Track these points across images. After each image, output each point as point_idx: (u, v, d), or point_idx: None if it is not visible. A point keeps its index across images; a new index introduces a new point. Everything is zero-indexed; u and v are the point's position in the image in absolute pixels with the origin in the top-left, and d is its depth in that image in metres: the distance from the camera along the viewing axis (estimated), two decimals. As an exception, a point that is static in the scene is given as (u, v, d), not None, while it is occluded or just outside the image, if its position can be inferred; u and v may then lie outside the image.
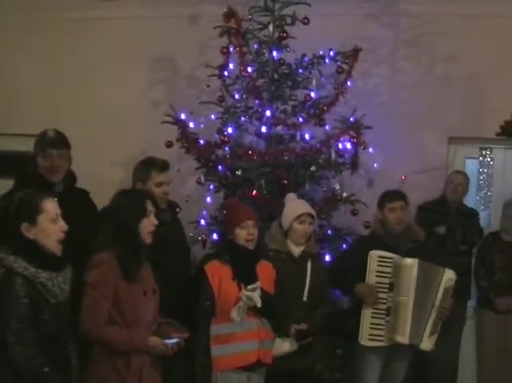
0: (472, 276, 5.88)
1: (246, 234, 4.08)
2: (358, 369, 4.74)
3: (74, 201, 4.09)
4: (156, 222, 3.53)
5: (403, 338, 4.44)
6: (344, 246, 5.30)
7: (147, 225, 3.48)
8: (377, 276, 4.53)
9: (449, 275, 4.51)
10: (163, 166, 4.52)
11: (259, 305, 3.92)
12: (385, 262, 4.53)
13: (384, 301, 4.51)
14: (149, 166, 4.50)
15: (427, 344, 4.49)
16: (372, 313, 4.52)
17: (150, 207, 3.53)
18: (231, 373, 3.98)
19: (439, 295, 4.47)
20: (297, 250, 4.44)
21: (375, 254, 4.53)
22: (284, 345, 4.22)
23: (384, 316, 4.51)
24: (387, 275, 4.51)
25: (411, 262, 4.46)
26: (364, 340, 4.54)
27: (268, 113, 5.36)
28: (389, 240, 4.68)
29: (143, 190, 4.18)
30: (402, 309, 4.44)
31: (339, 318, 4.70)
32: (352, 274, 4.55)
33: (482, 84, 6.14)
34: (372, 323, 4.53)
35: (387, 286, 4.51)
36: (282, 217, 4.51)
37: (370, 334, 4.52)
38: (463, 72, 6.16)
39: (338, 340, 5.01)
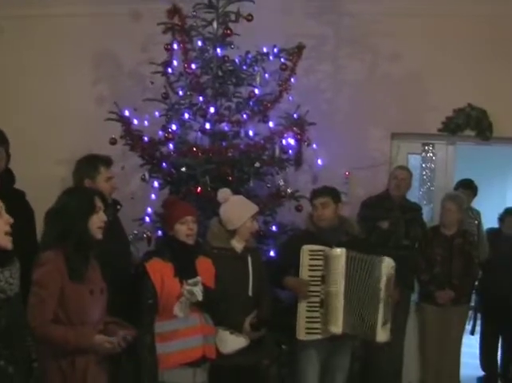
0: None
1: (186, 229, 4.06)
2: (298, 365, 4.74)
3: (11, 202, 4.01)
4: (105, 218, 3.53)
5: (336, 328, 4.44)
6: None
7: (97, 221, 3.46)
8: (310, 270, 4.54)
9: (387, 263, 4.49)
10: (109, 161, 4.51)
11: (200, 298, 3.91)
12: (316, 255, 4.53)
13: (318, 294, 4.51)
14: (96, 162, 4.44)
15: (381, 335, 4.45)
16: (307, 306, 4.53)
17: (99, 203, 3.51)
18: (177, 370, 3.96)
19: (382, 285, 4.44)
20: (239, 247, 4.42)
21: (306, 249, 4.54)
22: (240, 341, 4.25)
23: (318, 308, 4.51)
24: (320, 268, 4.52)
25: (339, 252, 4.46)
26: (302, 334, 4.55)
27: (212, 110, 5.36)
28: (321, 235, 4.69)
29: (90, 187, 4.14)
30: (333, 299, 4.45)
31: (281, 314, 4.70)
32: (288, 271, 4.59)
33: (424, 81, 6.28)
34: (307, 317, 4.53)
35: (320, 278, 4.52)
36: (231, 216, 4.41)
37: (307, 328, 4.53)
38: (405, 70, 6.29)
39: (284, 335, 5.03)
